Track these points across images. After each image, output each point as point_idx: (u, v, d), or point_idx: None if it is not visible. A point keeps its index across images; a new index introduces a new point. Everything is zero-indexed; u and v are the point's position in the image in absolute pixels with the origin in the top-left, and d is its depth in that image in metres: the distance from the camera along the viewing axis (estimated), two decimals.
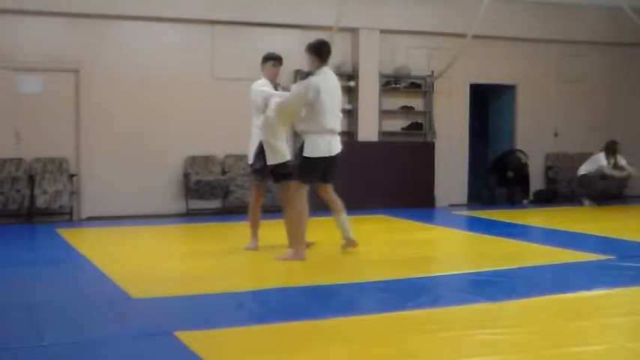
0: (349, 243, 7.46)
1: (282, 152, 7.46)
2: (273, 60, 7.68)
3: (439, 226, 10.23)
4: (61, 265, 7.12)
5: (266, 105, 7.33)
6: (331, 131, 6.99)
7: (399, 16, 12.03)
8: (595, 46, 13.61)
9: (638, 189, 13.67)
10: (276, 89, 7.58)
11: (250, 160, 7.59)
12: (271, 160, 7.41)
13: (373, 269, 6.77)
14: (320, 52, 7.06)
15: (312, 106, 6.86)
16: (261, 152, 7.43)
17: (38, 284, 6.20)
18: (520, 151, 13.14)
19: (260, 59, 11.20)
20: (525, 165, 13.03)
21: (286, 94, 7.32)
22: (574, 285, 5.97)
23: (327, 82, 6.98)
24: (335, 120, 7.04)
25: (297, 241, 7.07)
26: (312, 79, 6.92)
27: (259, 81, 7.58)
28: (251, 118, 7.57)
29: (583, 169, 12.54)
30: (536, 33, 13.03)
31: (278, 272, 6.87)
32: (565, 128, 13.64)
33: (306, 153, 6.94)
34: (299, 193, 7.03)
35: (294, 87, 7.22)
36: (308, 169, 7.01)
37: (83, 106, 10.63)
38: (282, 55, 11.43)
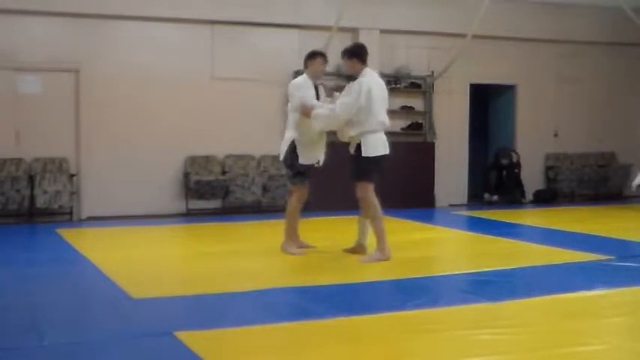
0: (359, 249, 7.41)
1: (315, 153, 7.40)
2: (322, 56, 7.61)
3: (439, 226, 10.24)
4: (61, 265, 7.12)
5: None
6: (384, 128, 7.14)
7: (399, 16, 12.03)
8: (595, 46, 13.61)
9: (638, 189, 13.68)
10: (316, 88, 7.47)
11: (285, 160, 7.44)
12: (303, 160, 7.33)
13: (373, 269, 6.77)
14: (361, 54, 7.22)
15: (364, 107, 6.96)
16: (294, 152, 7.35)
17: (38, 284, 6.20)
18: (511, 149, 13.13)
19: (259, 59, 11.38)
20: (517, 164, 13.00)
21: (327, 105, 7.22)
22: (574, 285, 5.97)
23: (375, 81, 7.14)
24: (385, 117, 7.18)
25: (381, 240, 7.10)
26: (363, 81, 7.03)
27: (300, 79, 7.45)
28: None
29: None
30: (536, 33, 13.03)
31: (278, 272, 6.87)
32: (565, 128, 13.63)
33: (367, 153, 6.98)
34: (369, 194, 7.07)
35: (345, 98, 7.04)
36: (370, 169, 7.08)
37: (83, 106, 10.62)
38: (282, 54, 11.57)
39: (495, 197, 12.89)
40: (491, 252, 7.83)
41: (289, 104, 7.44)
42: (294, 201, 7.53)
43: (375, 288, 6.09)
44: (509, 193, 12.92)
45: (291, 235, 7.58)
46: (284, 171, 8.14)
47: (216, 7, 11.11)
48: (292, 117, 7.39)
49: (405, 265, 6.96)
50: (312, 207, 10.96)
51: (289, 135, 7.41)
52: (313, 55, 7.57)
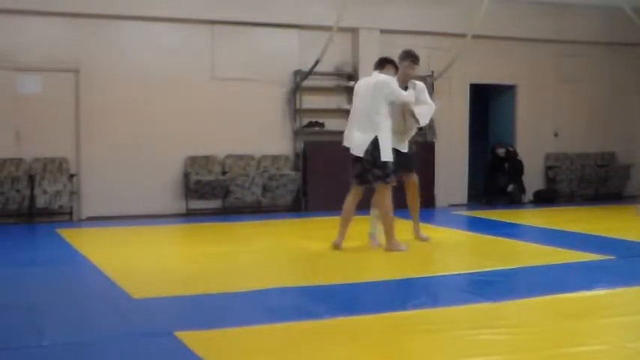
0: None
1: (390, 149, 7.39)
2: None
3: (439, 226, 10.23)
4: (61, 265, 7.12)
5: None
6: None
7: (399, 16, 12.02)
8: (595, 46, 13.61)
9: (639, 189, 13.68)
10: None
11: (376, 160, 7.29)
12: (386, 156, 7.31)
13: (373, 269, 6.78)
14: None
15: None
16: (377, 148, 7.24)
17: (38, 284, 6.20)
18: (505, 143, 13.12)
19: (259, 59, 11.37)
20: (514, 153, 12.98)
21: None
22: (574, 285, 5.97)
23: None
24: None
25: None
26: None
27: (389, 77, 7.55)
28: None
29: None
30: (536, 33, 13.03)
31: (278, 272, 6.87)
32: (565, 128, 13.64)
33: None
34: None
35: (427, 95, 7.72)
36: None
37: (83, 106, 10.62)
38: (282, 54, 11.57)
39: (511, 186, 12.85)
40: (491, 252, 7.83)
41: (377, 101, 7.29)
42: (389, 198, 7.48)
43: (375, 288, 6.09)
44: (516, 183, 12.88)
45: (394, 233, 7.54)
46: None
47: (216, 7, 11.11)
48: (385, 114, 7.31)
49: (405, 265, 6.96)
50: (313, 207, 10.98)
51: (370, 134, 7.24)
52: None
